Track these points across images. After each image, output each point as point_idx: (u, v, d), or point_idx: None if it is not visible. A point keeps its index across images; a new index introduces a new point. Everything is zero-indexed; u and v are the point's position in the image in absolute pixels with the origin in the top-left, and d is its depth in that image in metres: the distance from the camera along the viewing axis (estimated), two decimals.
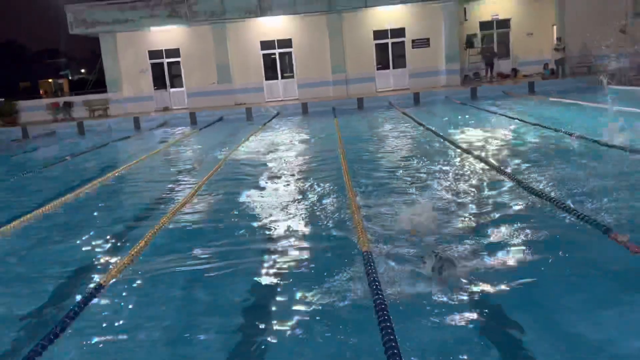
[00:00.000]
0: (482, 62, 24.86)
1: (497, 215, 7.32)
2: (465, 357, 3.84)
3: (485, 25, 25.46)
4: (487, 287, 5.29)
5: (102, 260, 6.70)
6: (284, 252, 6.70)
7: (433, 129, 14.67)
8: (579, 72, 23.02)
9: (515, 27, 25.36)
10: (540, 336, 4.18)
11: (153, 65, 25.06)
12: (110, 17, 23.74)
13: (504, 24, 25.37)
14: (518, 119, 15.15)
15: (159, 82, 25.23)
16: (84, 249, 7.27)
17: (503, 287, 5.01)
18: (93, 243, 7.41)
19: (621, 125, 12.79)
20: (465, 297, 5.13)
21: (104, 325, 5.09)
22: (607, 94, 18.45)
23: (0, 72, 28.53)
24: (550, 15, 24.62)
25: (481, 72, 25.07)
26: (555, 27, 24.39)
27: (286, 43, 24.91)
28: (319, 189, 9.59)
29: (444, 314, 4.62)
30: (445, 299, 5.06)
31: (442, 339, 4.17)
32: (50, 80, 31.26)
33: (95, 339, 4.85)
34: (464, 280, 5.15)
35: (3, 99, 25.29)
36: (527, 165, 9.80)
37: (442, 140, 13.11)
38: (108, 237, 7.58)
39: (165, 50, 24.86)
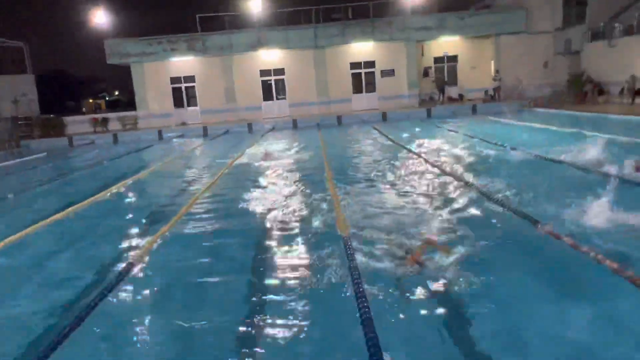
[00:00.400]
0: (436, 88, 25.45)
1: (435, 200, 7.69)
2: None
3: (438, 60, 26.06)
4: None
5: (138, 236, 6.86)
6: (278, 229, 6.84)
7: (394, 139, 15.23)
8: (511, 97, 23.63)
9: (461, 62, 26.02)
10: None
11: (173, 89, 25.24)
12: (140, 50, 24.02)
13: (453, 59, 26.02)
14: (461, 133, 15.73)
15: (178, 102, 25.40)
16: (125, 226, 7.46)
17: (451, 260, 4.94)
18: (131, 224, 7.64)
19: (535, 137, 13.59)
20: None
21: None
22: (532, 114, 19.34)
23: (51, 94, 28.38)
24: (489, 52, 25.36)
25: (435, 96, 25.54)
26: (493, 62, 25.19)
27: (280, 71, 25.26)
28: (306, 181, 9.96)
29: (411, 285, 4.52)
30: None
31: (406, 310, 4.03)
32: (91, 100, 31.28)
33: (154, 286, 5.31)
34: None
35: (53, 115, 25.42)
36: (463, 166, 10.23)
37: (400, 147, 13.62)
38: (142, 219, 7.83)
39: (183, 77, 25.16)
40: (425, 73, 26.07)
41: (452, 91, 25.78)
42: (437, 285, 4.49)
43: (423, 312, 4.12)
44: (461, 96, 25.67)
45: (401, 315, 4.08)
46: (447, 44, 25.69)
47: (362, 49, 25.09)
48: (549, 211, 6.21)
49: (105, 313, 4.36)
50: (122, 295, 4.80)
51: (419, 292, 4.41)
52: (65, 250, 6.53)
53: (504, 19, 23.88)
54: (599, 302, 3.95)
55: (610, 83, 20.84)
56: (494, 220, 6.34)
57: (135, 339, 4.01)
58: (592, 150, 9.41)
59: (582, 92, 21.67)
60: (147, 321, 4.35)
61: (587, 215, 5.71)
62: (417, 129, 18.06)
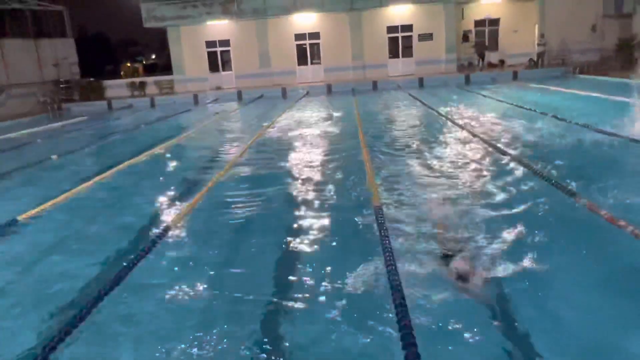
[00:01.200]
0: (475, 53, 24.73)
1: (471, 168, 7.69)
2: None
3: (478, 23, 25.18)
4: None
5: (170, 205, 6.89)
6: (308, 190, 7.08)
7: (431, 105, 14.97)
8: (556, 64, 22.87)
9: (503, 25, 25.08)
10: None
11: (209, 53, 25.34)
12: (176, 13, 24.09)
13: (494, 22, 25.09)
14: (499, 100, 15.42)
15: (213, 66, 25.51)
16: (156, 193, 7.49)
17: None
18: (161, 192, 7.54)
19: (577, 105, 13.16)
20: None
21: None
22: (577, 81, 18.67)
23: (91, 58, 28.94)
24: (534, 15, 24.21)
25: (474, 62, 24.89)
26: (537, 25, 24.21)
27: (315, 35, 25.00)
28: (341, 146, 10.08)
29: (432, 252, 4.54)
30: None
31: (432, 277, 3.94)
32: (128, 64, 31.68)
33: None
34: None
35: (93, 79, 25.99)
36: (499, 133, 10.18)
37: (436, 114, 13.45)
38: (174, 187, 7.81)
39: (218, 40, 25.18)
40: (465, 37, 25.32)
41: (492, 56, 25.03)
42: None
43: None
44: (502, 62, 24.92)
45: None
46: (488, 6, 24.76)
47: (399, 11, 24.51)
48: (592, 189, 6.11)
49: (157, 254, 4.72)
50: (154, 263, 4.93)
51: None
52: (105, 210, 6.73)
53: None
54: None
55: None
56: (533, 194, 6.18)
57: (177, 284, 4.22)
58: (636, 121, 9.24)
59: (632, 58, 20.65)
60: (191, 262, 4.69)
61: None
62: (454, 96, 17.73)
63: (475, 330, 3.29)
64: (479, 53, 24.38)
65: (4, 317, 3.98)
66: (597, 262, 4.18)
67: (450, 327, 3.45)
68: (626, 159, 7.45)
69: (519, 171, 7.11)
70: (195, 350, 3.29)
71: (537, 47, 23.50)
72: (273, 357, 3.25)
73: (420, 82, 22.29)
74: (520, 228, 5.04)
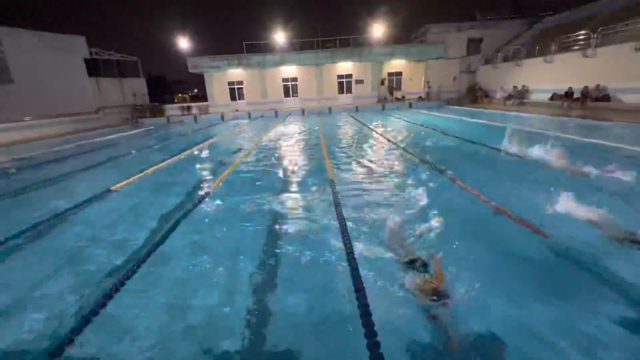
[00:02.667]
0: (388, 92, 25.26)
1: (380, 151, 7.92)
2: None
3: (390, 74, 25.43)
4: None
5: (208, 178, 6.94)
6: (291, 162, 7.22)
7: (362, 121, 15.25)
8: (435, 99, 23.50)
9: (404, 75, 25.36)
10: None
11: (230, 89, 24.68)
12: (208, 64, 23.36)
13: (399, 73, 25.39)
14: (403, 119, 15.67)
15: (232, 97, 24.86)
16: (200, 171, 7.51)
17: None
18: (204, 170, 7.61)
19: (444, 121, 13.61)
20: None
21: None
22: (446, 109, 19.19)
23: (156, 91, 27.72)
24: (421, 70, 24.72)
25: (387, 97, 25.24)
26: (423, 76, 24.76)
27: (295, 79, 24.70)
28: (309, 143, 10.14)
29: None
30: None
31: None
32: (180, 95, 30.62)
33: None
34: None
35: (157, 104, 25.02)
36: (403, 138, 10.29)
37: (365, 126, 13.60)
38: (211, 167, 7.88)
39: (236, 81, 24.59)
40: (382, 82, 25.49)
41: (397, 94, 25.32)
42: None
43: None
44: (403, 97, 25.23)
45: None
46: (396, 64, 24.96)
47: (344, 66, 24.50)
48: (454, 166, 6.45)
49: (196, 218, 4.70)
50: (205, 207, 5.00)
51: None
52: (171, 182, 6.66)
53: (432, 50, 23.21)
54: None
55: (492, 91, 20.67)
56: (414, 169, 6.48)
57: (214, 233, 4.32)
58: (475, 129, 9.76)
59: (475, 96, 21.49)
60: (221, 222, 4.64)
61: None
62: (375, 116, 17.90)
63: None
64: (390, 91, 24.72)
65: (115, 234, 4.08)
66: (454, 211, 4.34)
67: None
68: (468, 151, 7.88)
69: (408, 157, 7.42)
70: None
71: (424, 89, 24.08)
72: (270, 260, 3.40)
73: (356, 109, 22.34)
74: (397, 184, 5.36)
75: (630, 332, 2.19)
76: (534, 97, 17.01)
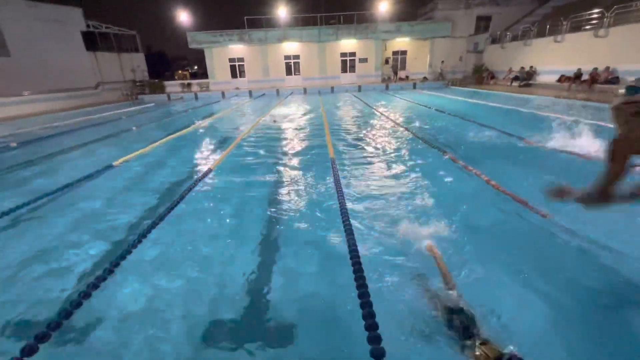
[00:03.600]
0: (392, 71, 24.76)
1: (381, 130, 7.81)
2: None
3: (395, 53, 24.85)
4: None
5: (211, 155, 7.03)
6: (292, 138, 7.17)
7: (365, 100, 15.06)
8: (438, 79, 23.04)
9: (409, 55, 24.79)
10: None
11: (231, 66, 24.10)
12: (209, 39, 22.73)
13: (404, 52, 24.80)
14: (405, 99, 15.44)
15: (233, 74, 24.35)
16: (203, 148, 7.61)
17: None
18: (205, 147, 7.65)
19: (447, 102, 13.42)
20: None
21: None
22: (451, 90, 18.88)
23: (155, 67, 27.17)
24: (427, 49, 24.07)
25: (391, 76, 24.81)
26: (428, 56, 24.13)
27: (297, 57, 24.09)
28: (311, 120, 10.11)
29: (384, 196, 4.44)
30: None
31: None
32: (180, 71, 29.96)
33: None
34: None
35: (157, 80, 24.56)
36: (405, 118, 10.25)
37: (367, 106, 13.47)
38: (213, 145, 7.90)
39: (237, 57, 23.98)
40: (386, 61, 24.90)
41: (402, 74, 24.76)
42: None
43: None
44: (407, 77, 24.75)
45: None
46: (401, 43, 24.26)
47: (348, 44, 23.76)
48: (447, 142, 6.43)
49: (200, 193, 4.74)
50: (209, 182, 5.06)
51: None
52: (171, 159, 6.67)
53: (438, 27, 22.49)
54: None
55: (498, 72, 20.19)
56: (412, 146, 6.51)
57: (217, 206, 4.36)
58: (481, 111, 9.62)
59: (481, 76, 21.01)
60: (222, 196, 4.69)
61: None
62: (378, 96, 17.62)
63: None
64: (395, 71, 24.20)
65: (130, 205, 4.10)
66: (449, 189, 4.48)
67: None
68: (468, 131, 7.80)
69: (409, 136, 7.37)
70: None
71: (436, 69, 23.54)
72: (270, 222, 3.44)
73: (359, 88, 21.98)
74: (401, 166, 5.38)
75: None
76: (541, 78, 16.63)
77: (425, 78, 23.52)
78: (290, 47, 23.80)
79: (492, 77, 20.27)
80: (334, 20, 23.99)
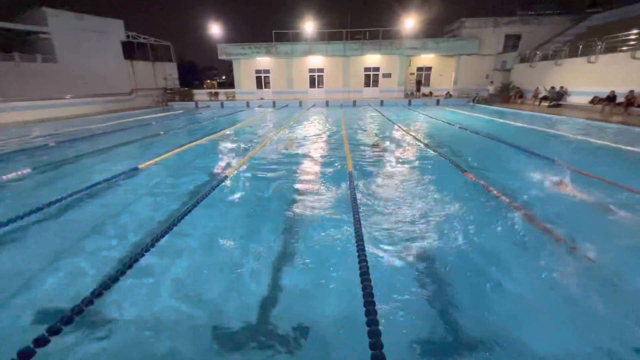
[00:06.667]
0: (415, 87, 24.63)
1: (400, 145, 7.75)
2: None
3: (419, 69, 24.82)
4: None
5: (229, 161, 7.23)
6: (312, 146, 7.24)
7: (386, 115, 15.06)
8: (463, 97, 22.72)
9: (434, 71, 24.69)
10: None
11: (257, 77, 24.86)
12: (237, 51, 23.62)
13: (429, 69, 24.73)
14: (427, 115, 15.31)
15: (259, 85, 25.05)
16: (223, 154, 7.86)
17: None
18: (230, 150, 7.92)
19: (470, 119, 13.14)
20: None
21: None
22: (472, 108, 18.52)
23: (186, 76, 28.43)
24: (452, 66, 23.93)
25: (414, 92, 24.77)
26: (454, 72, 23.90)
27: (321, 70, 24.51)
28: (330, 132, 10.16)
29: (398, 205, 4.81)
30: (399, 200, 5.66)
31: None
32: (208, 81, 31.05)
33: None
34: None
35: (187, 88, 25.69)
36: (425, 133, 10.13)
37: (388, 120, 13.41)
38: (237, 147, 8.20)
39: (263, 69, 24.72)
40: (412, 77, 24.79)
41: (425, 90, 24.63)
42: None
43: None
44: (431, 93, 24.54)
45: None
46: (426, 58, 24.21)
47: (372, 58, 23.97)
48: (467, 159, 6.28)
49: (222, 190, 4.85)
50: (237, 178, 5.19)
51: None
52: (197, 160, 6.94)
53: (465, 44, 22.29)
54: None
55: (527, 91, 19.64)
56: (433, 164, 6.40)
57: (234, 207, 4.43)
58: (510, 131, 9.32)
59: (508, 95, 20.52)
60: (243, 196, 4.80)
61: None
62: (399, 111, 17.54)
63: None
64: (417, 87, 24.06)
65: (151, 200, 4.27)
66: (467, 200, 4.37)
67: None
68: (492, 149, 7.58)
69: (429, 153, 7.22)
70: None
71: (452, 87, 23.26)
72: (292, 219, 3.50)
73: (381, 103, 22.03)
74: (418, 179, 5.26)
75: None
76: (572, 99, 16.02)
77: (449, 94, 23.24)
78: (315, 60, 24.30)
79: (521, 95, 19.74)
80: (360, 35, 24.38)
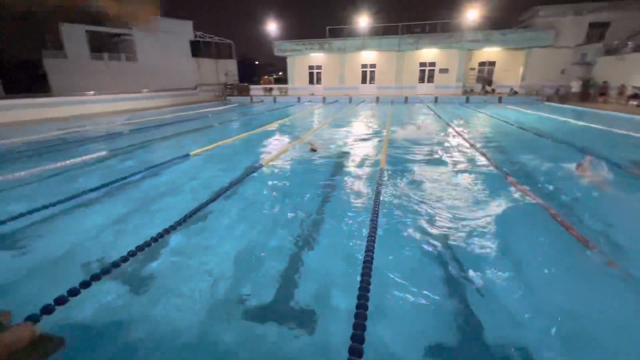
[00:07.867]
0: (478, 83, 22.82)
1: (449, 146, 7.39)
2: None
3: (481, 63, 22.89)
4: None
5: (271, 152, 7.42)
6: (356, 138, 7.18)
7: (437, 112, 14.32)
8: (531, 94, 20.51)
9: (498, 66, 22.59)
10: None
11: (309, 73, 25.31)
12: (292, 48, 24.27)
13: (492, 63, 22.67)
14: (485, 113, 14.25)
15: (310, 80, 25.52)
16: (284, 137, 8.17)
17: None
18: (275, 142, 8.13)
19: (535, 120, 11.88)
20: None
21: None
22: (540, 106, 16.69)
23: (245, 72, 30.05)
24: (520, 60, 21.68)
25: (474, 89, 22.87)
26: (522, 67, 21.65)
27: (373, 65, 24.10)
28: (375, 123, 10.25)
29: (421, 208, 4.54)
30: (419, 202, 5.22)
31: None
32: (266, 76, 32.56)
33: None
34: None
35: (245, 84, 27.09)
36: (481, 135, 9.40)
37: (438, 117, 12.83)
38: (285, 139, 8.40)
39: (315, 65, 25.09)
40: (481, 77, 22.89)
41: (487, 86, 22.69)
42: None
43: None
44: (493, 90, 22.57)
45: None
46: (489, 52, 22.30)
47: (428, 53, 22.86)
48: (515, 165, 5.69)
49: (255, 178, 5.09)
50: (259, 176, 5.38)
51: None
52: (247, 149, 7.33)
53: (537, 36, 20.04)
54: None
55: (611, 88, 17.01)
56: (482, 171, 5.85)
57: (270, 195, 4.63)
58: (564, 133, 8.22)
59: (587, 92, 18.00)
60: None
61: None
62: (455, 110, 16.42)
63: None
64: (483, 84, 22.26)
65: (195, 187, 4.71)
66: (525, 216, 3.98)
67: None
68: (562, 155, 6.76)
69: (482, 159, 6.37)
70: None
71: (520, 83, 21.12)
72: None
73: (435, 99, 20.88)
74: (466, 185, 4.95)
75: None
76: None
77: (514, 91, 21.15)
78: (368, 55, 23.91)
79: (602, 93, 17.18)
80: (418, 28, 23.32)
